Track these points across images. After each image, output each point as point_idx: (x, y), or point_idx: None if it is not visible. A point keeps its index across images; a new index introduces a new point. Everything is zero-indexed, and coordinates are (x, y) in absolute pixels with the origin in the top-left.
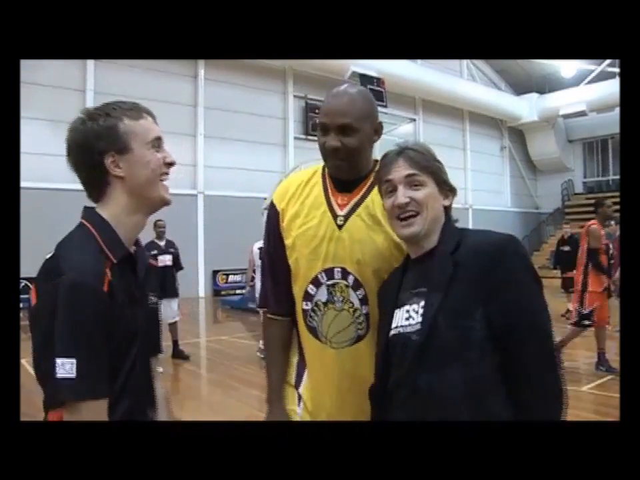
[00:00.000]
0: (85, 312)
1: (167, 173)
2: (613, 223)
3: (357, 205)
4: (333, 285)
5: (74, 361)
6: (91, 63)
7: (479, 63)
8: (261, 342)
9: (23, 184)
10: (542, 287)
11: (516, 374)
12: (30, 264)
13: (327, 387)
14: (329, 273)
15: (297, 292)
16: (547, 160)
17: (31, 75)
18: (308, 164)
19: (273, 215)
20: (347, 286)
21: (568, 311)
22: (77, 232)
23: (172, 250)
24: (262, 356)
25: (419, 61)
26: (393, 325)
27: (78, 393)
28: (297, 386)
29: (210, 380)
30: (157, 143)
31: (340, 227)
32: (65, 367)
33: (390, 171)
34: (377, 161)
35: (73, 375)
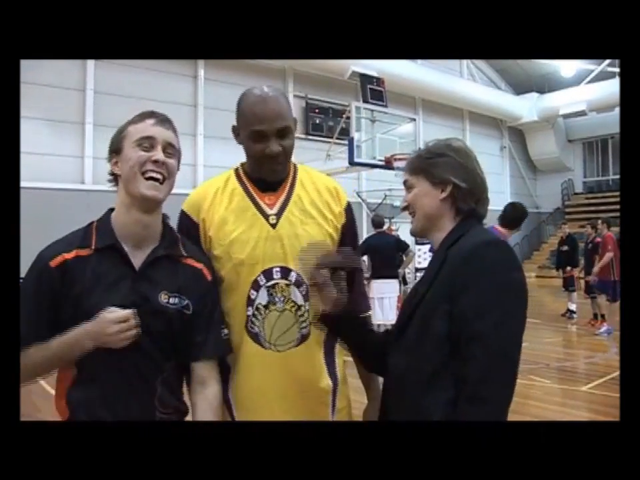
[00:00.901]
0: (29, 279)
1: (153, 170)
2: (599, 222)
3: (286, 201)
4: (273, 286)
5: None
6: (90, 62)
7: (479, 62)
8: None
9: (22, 184)
10: (515, 296)
11: (460, 373)
12: (30, 264)
13: (273, 394)
14: (268, 274)
15: (237, 300)
16: (546, 160)
17: (31, 75)
18: (308, 163)
19: (190, 227)
20: (287, 285)
21: (568, 310)
22: (83, 226)
23: None
24: None
25: (419, 61)
26: None
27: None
28: (229, 409)
29: None
30: (145, 142)
31: (274, 225)
32: None
33: None
34: (290, 161)
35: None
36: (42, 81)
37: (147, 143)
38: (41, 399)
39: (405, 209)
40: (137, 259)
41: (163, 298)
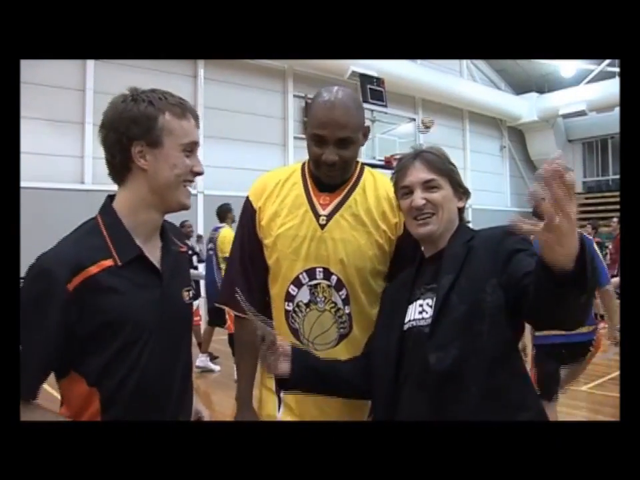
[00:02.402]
0: (39, 304)
1: (191, 180)
2: (615, 220)
3: (340, 204)
4: (315, 286)
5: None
6: (90, 62)
7: (479, 62)
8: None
9: (22, 184)
10: None
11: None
12: (29, 264)
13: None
14: (311, 273)
15: (278, 292)
16: (546, 160)
17: (30, 75)
18: None
19: (249, 213)
20: (329, 286)
21: None
22: (84, 226)
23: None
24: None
25: (419, 61)
26: (407, 320)
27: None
28: (277, 392)
29: (209, 379)
30: (191, 147)
31: (322, 226)
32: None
33: (406, 175)
34: (358, 162)
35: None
36: (42, 81)
37: (191, 148)
38: (42, 400)
39: (424, 206)
40: (152, 258)
41: (185, 296)
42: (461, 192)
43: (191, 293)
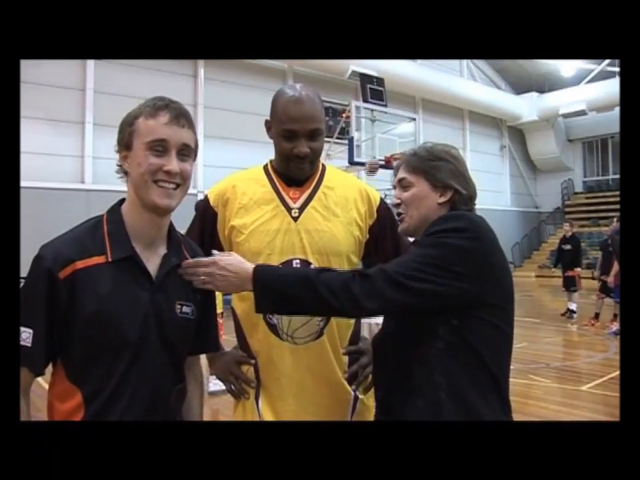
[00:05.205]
0: (35, 287)
1: (165, 180)
2: (615, 220)
3: (310, 197)
4: None
5: (30, 330)
6: (90, 62)
7: (479, 62)
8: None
9: (22, 184)
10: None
11: None
12: (30, 264)
13: (289, 389)
14: (287, 265)
15: None
16: (546, 159)
17: (31, 75)
18: None
19: (210, 215)
20: None
21: (568, 310)
22: (89, 221)
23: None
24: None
25: (419, 61)
26: None
27: (27, 362)
28: (256, 398)
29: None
30: (157, 145)
31: (295, 219)
32: (23, 335)
33: (394, 176)
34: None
35: (29, 344)
36: (42, 80)
37: (160, 146)
38: (41, 399)
39: (397, 205)
40: (150, 263)
41: (177, 308)
42: (440, 187)
43: (184, 307)
